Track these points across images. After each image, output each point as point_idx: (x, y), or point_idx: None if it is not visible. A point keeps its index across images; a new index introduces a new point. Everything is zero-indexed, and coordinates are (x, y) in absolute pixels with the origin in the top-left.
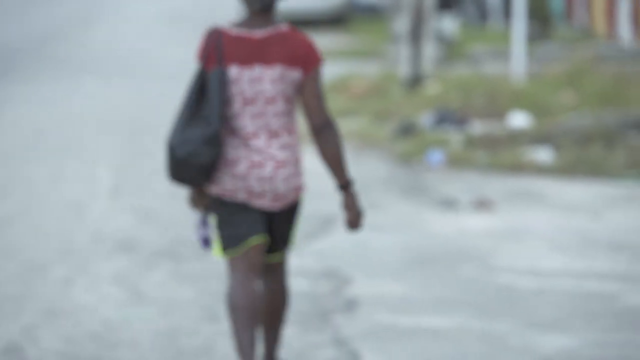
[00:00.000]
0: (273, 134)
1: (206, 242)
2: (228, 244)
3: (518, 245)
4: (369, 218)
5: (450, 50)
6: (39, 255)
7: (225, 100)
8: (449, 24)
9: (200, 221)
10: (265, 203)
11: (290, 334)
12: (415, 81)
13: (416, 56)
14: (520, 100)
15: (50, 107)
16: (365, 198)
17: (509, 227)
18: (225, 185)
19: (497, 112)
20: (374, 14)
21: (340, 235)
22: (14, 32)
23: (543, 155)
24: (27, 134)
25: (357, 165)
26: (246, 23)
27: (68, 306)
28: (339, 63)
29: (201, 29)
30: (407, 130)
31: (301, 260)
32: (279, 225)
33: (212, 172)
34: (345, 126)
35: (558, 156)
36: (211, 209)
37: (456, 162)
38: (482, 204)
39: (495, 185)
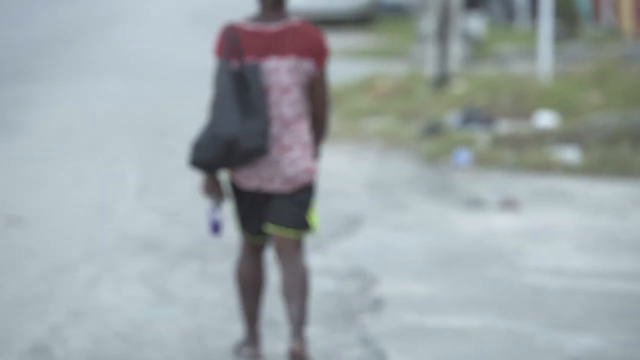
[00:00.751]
0: (286, 122)
1: (216, 228)
2: (239, 228)
3: (544, 245)
4: (395, 218)
5: (477, 49)
6: (65, 256)
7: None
8: (476, 24)
9: (211, 207)
10: (275, 186)
11: (317, 333)
12: (442, 81)
13: (443, 56)
14: (546, 100)
15: (74, 107)
16: (391, 198)
17: (535, 227)
18: (241, 173)
19: (524, 111)
20: (400, 14)
21: (367, 235)
22: (39, 32)
23: (569, 154)
24: (51, 134)
25: (383, 165)
26: (260, 18)
27: (94, 306)
28: (365, 63)
29: None
30: (434, 129)
31: (327, 260)
32: (291, 206)
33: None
34: (371, 126)
35: (584, 156)
36: (228, 196)
37: (482, 162)
38: (509, 204)
39: (522, 185)
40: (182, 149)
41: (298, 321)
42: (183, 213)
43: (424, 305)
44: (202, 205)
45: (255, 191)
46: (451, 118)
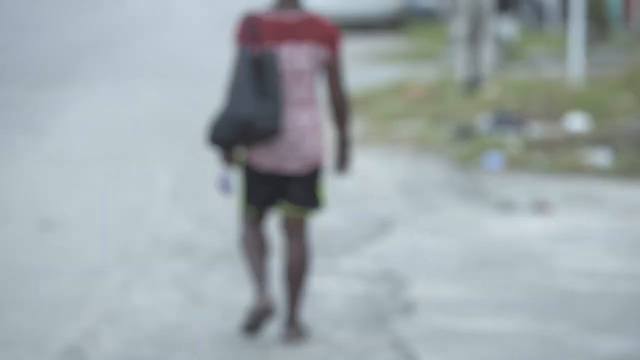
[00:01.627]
0: (300, 105)
1: (226, 187)
2: (246, 199)
3: (576, 248)
4: (427, 221)
5: (508, 53)
6: (99, 259)
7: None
8: (507, 27)
9: (224, 173)
10: (289, 165)
11: (348, 336)
12: (473, 84)
13: (474, 59)
14: (578, 103)
15: (108, 112)
16: (422, 201)
17: (567, 230)
18: (257, 153)
19: (555, 114)
20: (431, 18)
21: (398, 238)
22: (72, 38)
23: (601, 158)
24: (85, 139)
25: (415, 168)
26: (277, 9)
27: (128, 309)
28: (397, 67)
29: None
30: (465, 133)
31: (359, 263)
32: (302, 184)
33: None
34: (403, 129)
35: (616, 159)
36: (237, 169)
37: (514, 165)
38: (541, 207)
39: (554, 188)
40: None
41: (292, 304)
42: (216, 217)
43: (455, 308)
44: (235, 208)
45: (269, 172)
46: (483, 121)
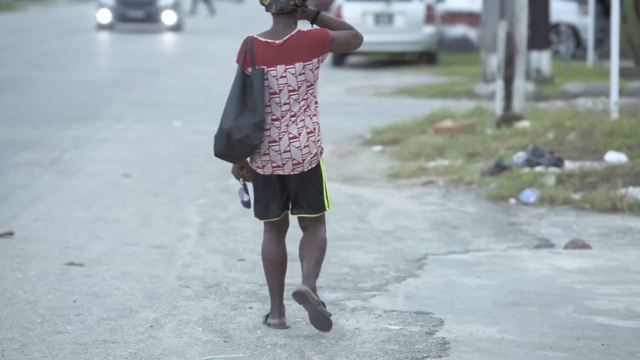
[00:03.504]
0: (293, 116)
1: (248, 205)
2: (256, 214)
3: (615, 286)
4: (461, 258)
5: (544, 86)
6: (126, 299)
7: (264, 94)
8: (543, 60)
9: (241, 189)
10: (286, 170)
11: None
12: (508, 118)
13: (509, 93)
14: (615, 137)
15: (136, 150)
16: (456, 237)
17: (605, 268)
18: (256, 162)
19: (592, 149)
20: (465, 48)
21: (432, 275)
22: (96, 76)
23: (639, 193)
24: (114, 176)
25: (449, 204)
26: (271, 30)
27: (156, 350)
28: (430, 100)
29: None
30: (500, 168)
31: (392, 302)
32: (303, 188)
33: (256, 150)
34: (437, 164)
35: None
36: (250, 179)
37: (550, 201)
38: (578, 244)
39: (591, 224)
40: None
41: (310, 272)
42: (245, 254)
43: (490, 348)
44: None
45: (269, 176)
46: (518, 156)
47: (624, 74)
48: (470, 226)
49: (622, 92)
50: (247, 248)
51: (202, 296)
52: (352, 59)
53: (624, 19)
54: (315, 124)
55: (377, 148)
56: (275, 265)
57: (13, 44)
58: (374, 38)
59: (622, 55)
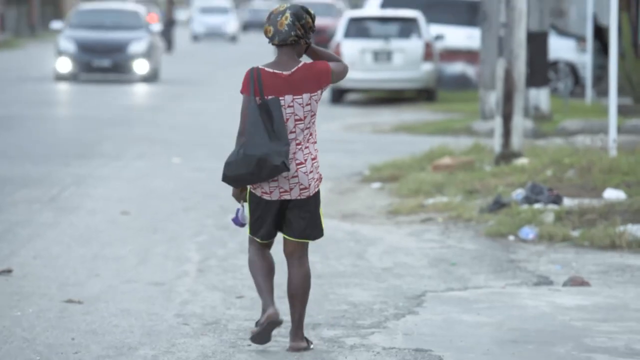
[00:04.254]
0: (299, 144)
1: (241, 225)
2: (252, 232)
3: (614, 323)
4: (460, 295)
5: (543, 124)
6: (125, 336)
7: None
8: (541, 98)
9: (240, 210)
10: (294, 195)
11: None
12: (507, 155)
13: (508, 130)
14: (613, 174)
15: (135, 187)
16: (455, 274)
17: (604, 305)
18: (263, 188)
19: (591, 186)
20: (464, 85)
21: (430, 312)
22: (93, 113)
23: (639, 230)
24: (112, 213)
25: (447, 241)
26: (276, 62)
27: None
28: (429, 137)
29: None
30: (498, 205)
31: (390, 339)
32: (302, 214)
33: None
34: (436, 201)
35: None
36: (248, 202)
37: (549, 238)
38: (577, 281)
39: (590, 262)
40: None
41: (299, 321)
42: (244, 292)
43: None
44: None
45: (274, 201)
46: (516, 193)
47: (622, 111)
48: (469, 263)
49: (620, 130)
50: (245, 285)
51: (201, 333)
52: (351, 96)
53: (622, 56)
54: (316, 150)
55: (376, 185)
56: (262, 270)
57: (10, 81)
58: (372, 75)
59: (621, 92)
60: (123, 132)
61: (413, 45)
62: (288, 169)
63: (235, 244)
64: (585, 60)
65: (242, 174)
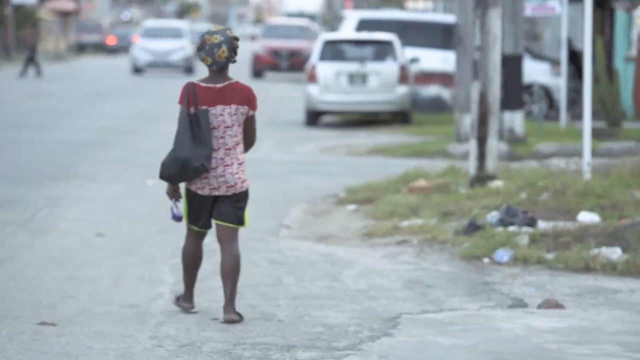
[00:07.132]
0: (228, 148)
1: (178, 219)
2: (192, 221)
3: (588, 346)
4: (435, 317)
5: (517, 146)
6: (99, 358)
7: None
8: (516, 121)
9: (174, 205)
10: (221, 192)
11: None
12: (482, 177)
13: (482, 152)
14: (588, 197)
15: (109, 209)
16: (430, 297)
17: (578, 328)
18: (196, 184)
19: (565, 209)
20: (439, 108)
21: (405, 335)
22: (68, 136)
23: (613, 253)
24: (87, 235)
25: (422, 264)
26: (209, 78)
27: None
28: (404, 159)
29: (269, 131)
30: (473, 228)
31: None
32: (233, 208)
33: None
34: (411, 223)
35: (628, 255)
36: (183, 197)
37: (524, 261)
38: (551, 304)
39: (564, 284)
40: (218, 250)
41: (231, 296)
42: (217, 314)
43: None
44: (238, 306)
45: (206, 196)
46: (491, 216)
47: (596, 134)
48: (444, 285)
49: (594, 153)
50: (220, 307)
51: (175, 355)
52: (326, 119)
53: (596, 80)
54: (243, 158)
55: (351, 207)
56: (194, 263)
57: None
58: (348, 98)
59: (595, 116)
60: (103, 150)
61: (388, 68)
62: (207, 170)
63: (209, 266)
64: (559, 84)
65: (172, 173)
